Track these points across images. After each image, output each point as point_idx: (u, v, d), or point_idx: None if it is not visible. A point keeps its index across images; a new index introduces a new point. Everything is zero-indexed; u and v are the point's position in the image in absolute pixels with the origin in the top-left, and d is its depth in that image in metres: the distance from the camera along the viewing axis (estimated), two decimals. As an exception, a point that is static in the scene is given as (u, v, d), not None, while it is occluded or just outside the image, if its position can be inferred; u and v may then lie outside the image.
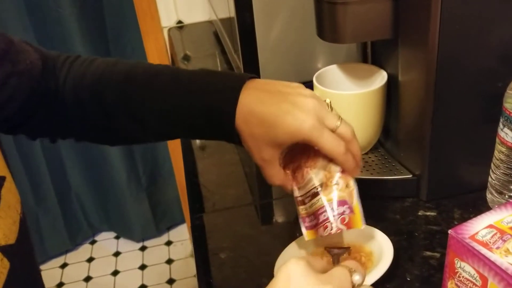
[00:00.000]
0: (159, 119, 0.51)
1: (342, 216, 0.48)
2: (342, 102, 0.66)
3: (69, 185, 1.80)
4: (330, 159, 0.49)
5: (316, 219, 0.49)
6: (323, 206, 0.49)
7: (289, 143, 0.47)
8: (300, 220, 0.52)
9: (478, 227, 0.41)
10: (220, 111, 0.48)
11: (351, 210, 0.48)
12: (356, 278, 0.36)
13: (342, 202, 0.49)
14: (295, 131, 0.45)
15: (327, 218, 0.48)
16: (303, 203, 0.52)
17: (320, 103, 0.48)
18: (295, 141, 0.47)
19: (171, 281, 1.68)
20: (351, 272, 0.36)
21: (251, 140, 0.48)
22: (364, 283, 0.36)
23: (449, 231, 0.42)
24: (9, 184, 0.37)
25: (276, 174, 0.50)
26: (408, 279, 0.55)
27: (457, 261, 0.41)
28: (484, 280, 0.39)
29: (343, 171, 0.50)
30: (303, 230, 0.52)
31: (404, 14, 0.59)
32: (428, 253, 0.58)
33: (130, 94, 0.52)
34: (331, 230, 0.48)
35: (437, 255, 0.57)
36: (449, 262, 0.43)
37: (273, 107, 0.46)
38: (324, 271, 0.36)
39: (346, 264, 0.37)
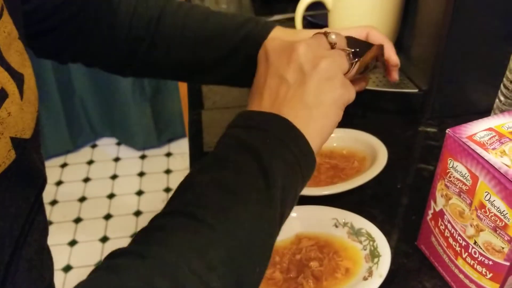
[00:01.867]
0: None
1: None
2: (358, 2, 0.63)
3: (73, 88, 1.79)
4: None
5: None
6: None
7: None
8: None
9: (477, 129, 0.40)
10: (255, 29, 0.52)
11: None
12: (333, 37, 0.38)
13: None
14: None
15: None
16: None
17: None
18: None
19: (168, 190, 1.72)
20: (326, 34, 0.39)
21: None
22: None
23: (447, 130, 0.41)
24: (29, 81, 0.37)
25: None
26: (398, 186, 0.55)
27: (450, 161, 0.41)
28: (475, 179, 0.38)
29: None
30: None
31: None
32: (422, 165, 0.57)
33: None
34: None
35: (431, 167, 0.56)
36: (441, 163, 0.42)
37: None
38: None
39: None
